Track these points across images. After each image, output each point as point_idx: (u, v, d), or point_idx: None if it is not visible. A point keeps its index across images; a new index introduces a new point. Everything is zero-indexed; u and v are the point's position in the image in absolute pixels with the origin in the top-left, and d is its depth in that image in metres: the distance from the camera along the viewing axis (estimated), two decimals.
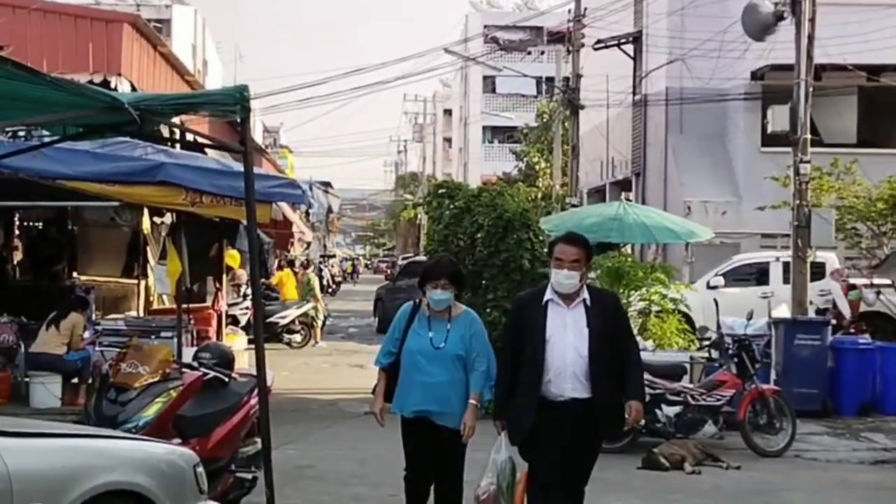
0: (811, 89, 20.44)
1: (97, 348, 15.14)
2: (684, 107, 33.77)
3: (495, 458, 8.34)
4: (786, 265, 25.67)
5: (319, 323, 30.65)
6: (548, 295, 8.03)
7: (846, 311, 22.25)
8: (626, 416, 7.92)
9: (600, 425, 7.94)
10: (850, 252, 26.26)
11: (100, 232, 21.10)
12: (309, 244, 50.44)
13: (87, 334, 15.25)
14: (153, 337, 15.21)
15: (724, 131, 33.90)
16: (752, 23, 21.45)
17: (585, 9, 36.26)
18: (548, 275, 16.63)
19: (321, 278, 45.82)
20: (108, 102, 7.79)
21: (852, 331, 21.12)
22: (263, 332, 8.85)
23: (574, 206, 34.19)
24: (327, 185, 26.77)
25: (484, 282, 17.53)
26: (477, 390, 8.55)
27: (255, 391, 9.31)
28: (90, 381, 14.35)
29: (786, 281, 24.74)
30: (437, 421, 8.58)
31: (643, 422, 14.15)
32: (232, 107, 8.00)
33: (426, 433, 8.60)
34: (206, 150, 14.39)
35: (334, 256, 54.44)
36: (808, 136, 20.43)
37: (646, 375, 14.51)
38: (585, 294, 7.99)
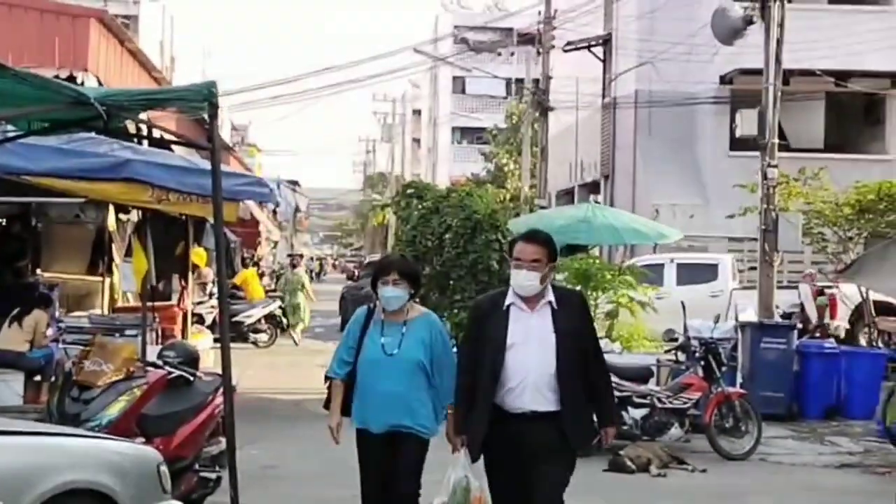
0: (779, 94, 20.50)
1: (60, 346, 14.99)
2: (653, 110, 33.84)
3: (451, 477, 7.75)
4: (680, 267, 25.98)
5: (307, 321, 31.05)
6: (509, 298, 7.44)
7: (813, 315, 22.33)
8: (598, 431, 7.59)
9: (567, 439, 7.34)
10: (816, 257, 26.38)
11: (64, 229, 20.91)
12: (276, 243, 50.33)
13: (50, 332, 15.10)
14: (117, 335, 15.06)
15: (693, 135, 34.00)
16: (722, 27, 21.49)
17: (555, 11, 36.31)
18: None
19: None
20: (73, 97, 7.71)
21: (818, 335, 21.21)
22: (229, 332, 8.77)
23: (543, 207, 34.20)
24: (295, 183, 26.62)
25: (452, 282, 17.51)
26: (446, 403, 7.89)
27: (220, 390, 9.25)
28: (53, 378, 14.17)
29: (679, 283, 24.98)
30: (401, 432, 7.93)
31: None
32: (200, 103, 7.93)
33: (386, 447, 7.97)
34: (173, 146, 14.31)
35: (302, 256, 54.28)
36: (776, 140, 20.47)
37: (613, 378, 14.60)
38: (551, 295, 7.41)
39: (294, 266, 33.85)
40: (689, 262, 26.99)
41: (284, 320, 30.02)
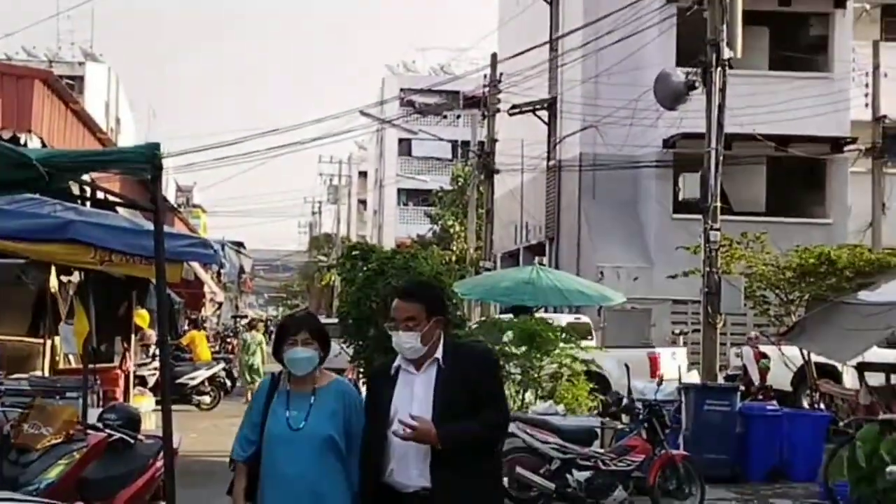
0: (721, 158, 20.73)
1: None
2: (598, 173, 34.16)
3: None
4: None
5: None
6: (397, 360, 6.70)
7: (756, 377, 22.47)
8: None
9: None
10: (759, 319, 26.57)
11: (4, 290, 20.70)
12: (220, 304, 50.09)
13: None
14: (58, 397, 14.87)
15: (637, 198, 34.31)
16: (664, 92, 21.76)
17: (501, 74, 36.62)
18: (460, 337, 16.63)
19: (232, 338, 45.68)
20: (14, 158, 7.66)
21: (761, 397, 21.34)
22: (172, 394, 8.71)
23: (488, 269, 34.34)
24: (240, 244, 26.74)
25: None
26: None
27: (161, 453, 9.17)
28: None
29: None
30: None
31: (553, 486, 14.25)
32: (142, 165, 7.90)
33: None
34: (118, 208, 14.24)
35: (246, 317, 54.38)
36: (719, 203, 20.68)
37: (556, 440, 14.63)
38: (440, 353, 6.62)
39: (252, 328, 34.56)
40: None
41: (228, 382, 30.03)
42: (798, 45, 34.41)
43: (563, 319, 24.56)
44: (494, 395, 6.71)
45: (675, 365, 22.37)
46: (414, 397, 6.55)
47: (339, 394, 6.89)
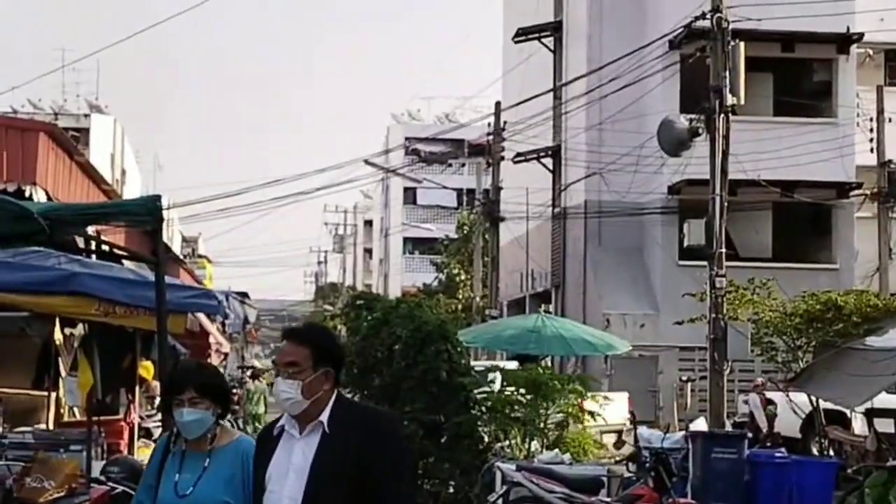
0: (726, 204, 20.73)
1: (2, 462, 14.72)
2: (603, 220, 34.17)
3: None
4: None
5: None
6: (283, 419, 5.68)
7: (763, 424, 22.34)
8: None
9: None
10: (766, 366, 26.46)
11: (8, 342, 20.66)
12: (226, 355, 50.11)
13: None
14: (62, 450, 14.79)
15: (642, 244, 34.29)
16: (668, 139, 21.81)
17: (505, 122, 36.73)
18: (465, 385, 16.61)
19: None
20: (16, 212, 7.68)
21: (769, 444, 21.20)
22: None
23: (494, 317, 34.27)
24: (244, 295, 26.74)
25: (402, 393, 17.40)
26: None
27: None
28: None
29: None
30: None
31: None
32: (144, 217, 7.95)
33: None
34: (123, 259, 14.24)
35: (252, 368, 54.53)
36: (724, 250, 20.68)
37: (563, 489, 14.54)
38: (326, 413, 5.53)
39: (255, 378, 35.66)
40: None
41: None
42: (802, 91, 34.49)
43: None
44: (390, 477, 5.47)
45: None
46: (291, 467, 5.52)
47: (238, 456, 6.04)
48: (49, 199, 17.62)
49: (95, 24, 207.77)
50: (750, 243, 32.84)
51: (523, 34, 40.52)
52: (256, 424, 31.90)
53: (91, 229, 10.13)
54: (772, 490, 18.17)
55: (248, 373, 35.77)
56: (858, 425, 23.14)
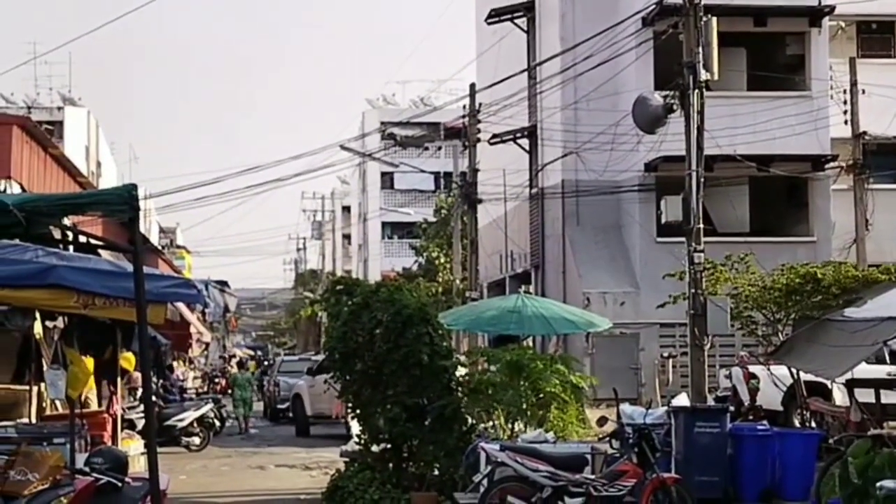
0: (703, 180, 20.76)
1: None
2: (580, 199, 34.20)
3: None
4: None
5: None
6: None
7: (745, 397, 22.42)
8: None
9: None
10: (746, 339, 26.56)
11: None
12: (207, 345, 50.10)
13: None
14: (45, 443, 14.80)
15: (620, 222, 34.34)
16: (643, 116, 21.79)
17: (480, 104, 36.67)
18: (447, 368, 16.69)
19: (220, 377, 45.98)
20: None
21: (751, 417, 21.28)
22: (161, 436, 8.66)
23: (474, 299, 34.27)
24: (224, 283, 26.51)
25: (384, 377, 17.42)
26: None
27: (149, 496, 9.11)
28: None
29: None
30: None
31: None
32: (120, 206, 7.91)
33: None
34: (101, 251, 14.19)
35: (234, 356, 54.44)
36: (701, 225, 20.71)
37: (547, 467, 14.59)
38: None
39: (241, 366, 40.79)
40: None
41: (217, 423, 30.09)
42: (775, 65, 34.53)
43: None
44: None
45: None
46: None
47: None
48: (24, 191, 17.54)
49: (66, 17, 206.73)
50: (727, 218, 32.91)
51: (496, 15, 40.47)
52: (246, 410, 35.82)
53: (68, 221, 10.08)
54: (755, 463, 18.26)
55: (233, 361, 36.87)
56: (839, 396, 23.27)
